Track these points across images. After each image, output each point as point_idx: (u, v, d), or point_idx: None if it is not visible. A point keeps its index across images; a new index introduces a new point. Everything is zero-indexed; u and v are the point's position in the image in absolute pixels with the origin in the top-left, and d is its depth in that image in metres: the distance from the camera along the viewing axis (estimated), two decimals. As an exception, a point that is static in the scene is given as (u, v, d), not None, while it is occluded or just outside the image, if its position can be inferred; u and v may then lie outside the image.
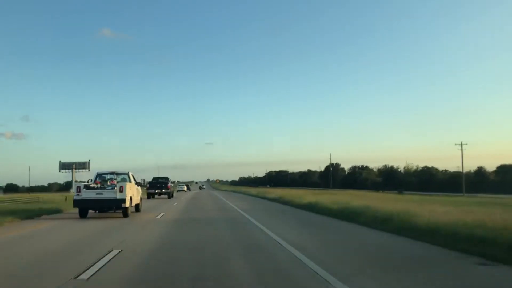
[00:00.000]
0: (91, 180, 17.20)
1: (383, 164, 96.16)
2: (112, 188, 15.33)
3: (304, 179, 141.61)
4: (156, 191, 36.53)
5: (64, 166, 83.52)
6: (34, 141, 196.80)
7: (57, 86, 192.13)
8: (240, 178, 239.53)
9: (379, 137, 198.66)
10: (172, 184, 41.97)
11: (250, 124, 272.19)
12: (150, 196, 35.74)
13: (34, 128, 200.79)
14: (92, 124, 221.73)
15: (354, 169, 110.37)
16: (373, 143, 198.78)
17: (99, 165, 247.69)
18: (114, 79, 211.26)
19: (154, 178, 38.40)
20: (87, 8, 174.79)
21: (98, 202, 15.16)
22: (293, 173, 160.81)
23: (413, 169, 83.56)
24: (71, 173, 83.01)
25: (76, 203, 15.11)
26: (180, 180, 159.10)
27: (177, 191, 60.72)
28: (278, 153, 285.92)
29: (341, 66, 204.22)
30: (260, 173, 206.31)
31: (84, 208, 15.40)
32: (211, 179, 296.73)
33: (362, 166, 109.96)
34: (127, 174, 18.08)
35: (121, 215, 15.48)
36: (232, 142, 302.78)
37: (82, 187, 15.35)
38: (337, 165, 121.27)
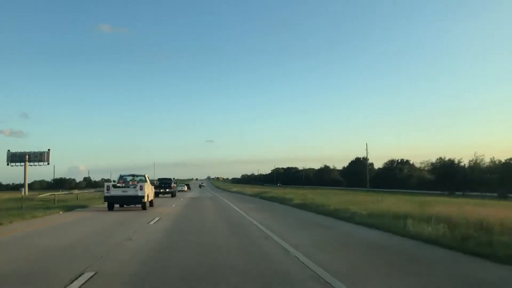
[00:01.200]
0: (115, 181, 21.28)
1: (429, 158, 74.91)
2: (134, 187, 19.90)
3: (320, 177, 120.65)
4: (161, 190, 39.98)
5: (14, 157, 61.23)
6: (28, 139, 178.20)
7: (55, 83, 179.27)
8: (243, 176, 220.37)
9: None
10: (175, 184, 45.66)
11: (250, 121, 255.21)
12: (155, 195, 39.16)
13: (29, 125, 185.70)
14: (90, 122, 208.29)
15: (391, 163, 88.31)
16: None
17: (98, 164, 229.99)
18: (113, 76, 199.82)
19: (159, 179, 42.24)
20: (86, 4, 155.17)
21: (123, 198, 20.02)
22: (304, 170, 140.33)
23: (485, 163, 61.96)
24: (23, 167, 61.16)
25: (106, 198, 20.16)
26: (180, 178, 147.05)
27: (178, 190, 61.13)
28: (282, 150, 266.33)
29: (343, 64, 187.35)
30: (263, 170, 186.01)
31: (112, 202, 20.23)
32: (211, 177, 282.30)
33: (402, 160, 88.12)
34: (144, 176, 22.14)
35: (140, 208, 20.02)
36: (232, 140, 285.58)
37: (111, 186, 20.05)
38: (364, 159, 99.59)
